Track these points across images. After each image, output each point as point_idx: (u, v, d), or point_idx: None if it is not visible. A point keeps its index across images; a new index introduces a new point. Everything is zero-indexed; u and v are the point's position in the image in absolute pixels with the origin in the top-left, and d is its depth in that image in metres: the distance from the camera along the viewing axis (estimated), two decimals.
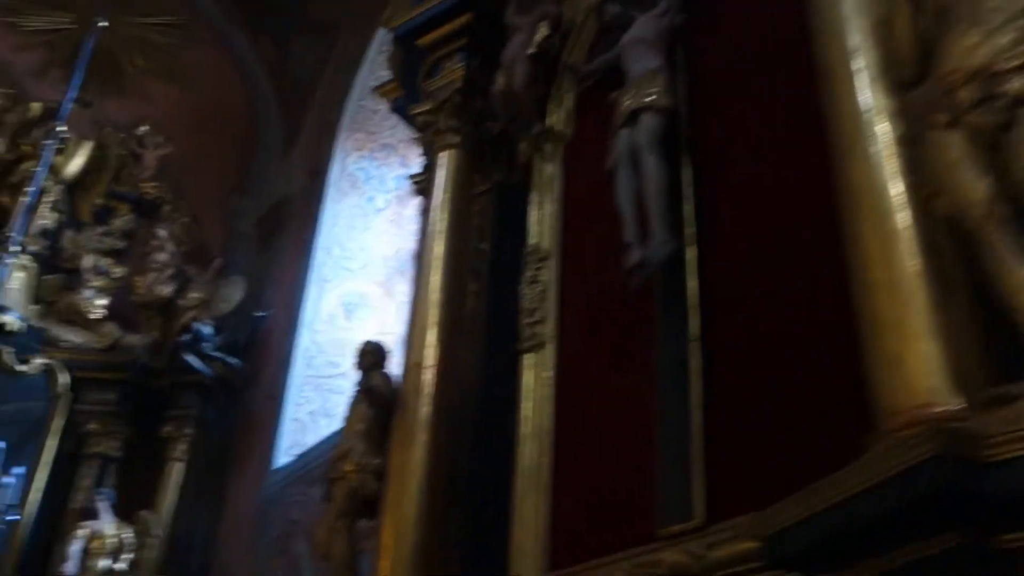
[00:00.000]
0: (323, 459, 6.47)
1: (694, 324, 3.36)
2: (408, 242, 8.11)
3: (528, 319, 4.15)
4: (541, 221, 4.42)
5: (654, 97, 3.70)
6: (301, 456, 7.13)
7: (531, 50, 4.48)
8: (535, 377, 3.98)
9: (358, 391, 4.32)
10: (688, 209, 3.57)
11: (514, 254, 4.43)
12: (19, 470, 5.27)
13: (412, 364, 4.10)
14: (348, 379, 7.61)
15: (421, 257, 4.52)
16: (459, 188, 4.60)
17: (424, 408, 3.94)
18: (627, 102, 3.80)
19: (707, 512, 2.98)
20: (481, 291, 4.54)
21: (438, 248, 4.39)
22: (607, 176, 3.86)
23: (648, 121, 3.67)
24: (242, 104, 9.82)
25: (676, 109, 3.74)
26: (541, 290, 4.21)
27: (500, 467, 3.87)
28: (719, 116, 3.72)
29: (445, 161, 4.65)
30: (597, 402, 3.72)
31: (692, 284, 3.43)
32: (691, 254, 3.48)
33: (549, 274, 4.22)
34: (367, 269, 8.19)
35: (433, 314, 4.22)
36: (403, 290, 7.90)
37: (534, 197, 4.50)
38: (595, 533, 3.42)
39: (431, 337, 4.14)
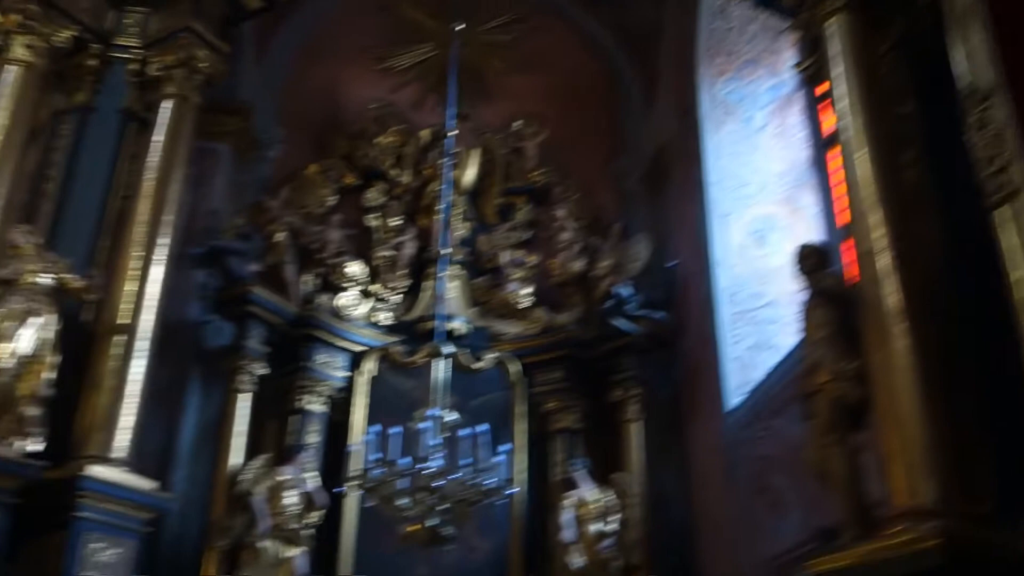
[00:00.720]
0: (779, 389, 6.22)
1: None
2: (800, 150, 7.58)
3: (988, 169, 3.54)
4: (970, 56, 3.76)
5: None
6: (752, 392, 6.92)
7: None
8: (1018, 231, 3.37)
9: (810, 297, 4.00)
10: None
11: (945, 105, 3.82)
12: (505, 447, 5.71)
13: (863, 253, 3.70)
14: (778, 306, 7.30)
15: (839, 140, 4.09)
16: (860, 52, 4.09)
17: (891, 296, 3.52)
18: None
19: None
20: (918, 157, 3.98)
21: (855, 123, 3.94)
22: None
23: None
24: (597, 70, 9.92)
25: None
26: (994, 133, 3.57)
27: (1002, 340, 3.32)
28: None
29: (835, 29, 4.17)
30: None
31: None
32: None
33: (999, 112, 3.57)
34: (765, 191, 7.77)
35: (870, 195, 3.77)
36: (809, 200, 7.39)
37: (954, 34, 3.85)
38: None
39: (875, 219, 3.70)
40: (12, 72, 7.14)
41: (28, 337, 6.07)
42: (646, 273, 8.48)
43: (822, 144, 7.28)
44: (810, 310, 4.05)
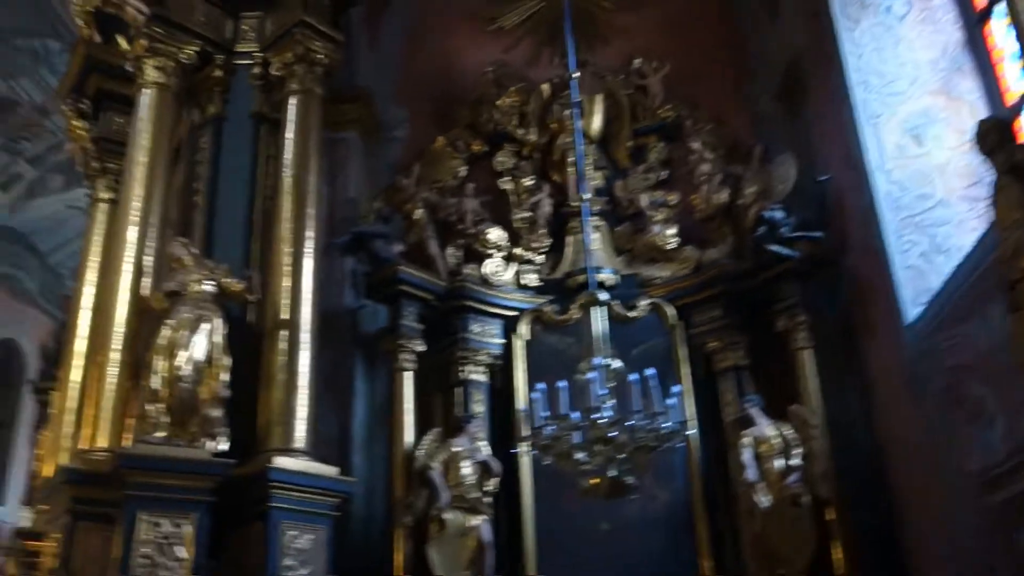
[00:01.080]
0: (964, 292, 5.75)
1: None
2: (951, 31, 6.98)
3: None
4: None
5: None
6: (932, 301, 6.42)
7: None
8: None
9: (998, 178, 3.61)
10: None
11: None
12: (676, 388, 5.52)
13: None
14: (948, 206, 6.76)
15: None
16: None
17: None
18: None
19: None
20: None
21: None
22: None
23: None
24: None
25: None
26: None
27: None
28: None
29: None
30: None
31: None
32: None
33: None
34: (917, 84, 7.14)
35: None
36: (968, 85, 6.80)
37: None
38: None
39: None
40: (147, 95, 7.50)
41: (201, 343, 6.36)
42: (796, 193, 7.98)
43: (976, 19, 6.66)
44: (1000, 191, 3.64)
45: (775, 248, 7.64)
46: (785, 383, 7.63)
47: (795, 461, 7.11)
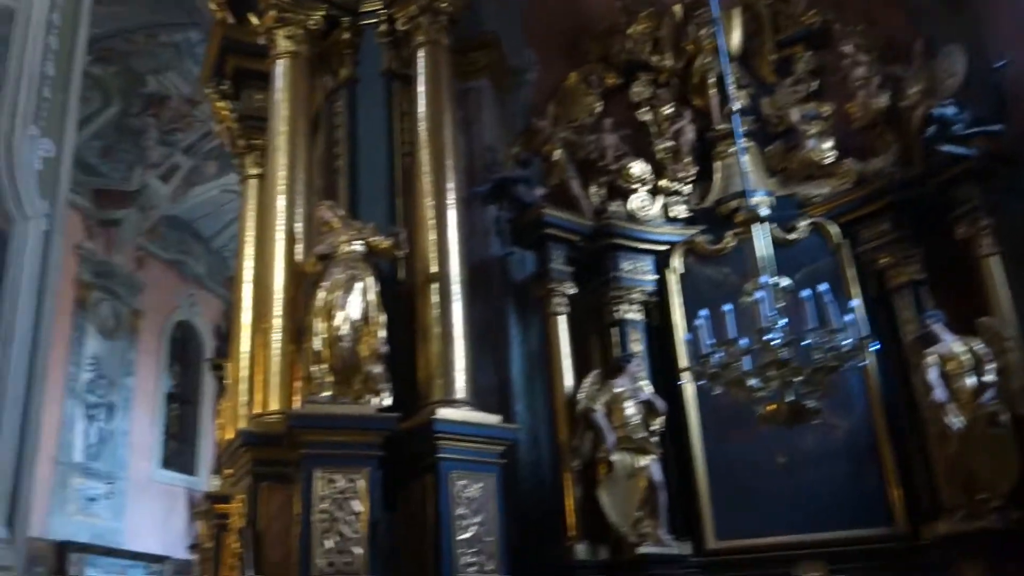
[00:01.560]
0: None
1: None
2: None
3: None
4: None
5: None
6: None
7: None
8: None
9: None
10: None
11: None
12: (854, 302, 5.11)
13: None
14: None
15: None
16: None
17: None
18: None
19: None
20: None
21: None
22: None
23: None
24: None
25: None
26: None
27: None
28: None
29: None
30: None
31: None
32: None
33: None
34: None
35: None
36: None
37: None
38: None
39: None
40: (281, 65, 7.65)
41: (356, 302, 6.48)
42: (967, 86, 7.20)
43: None
44: None
45: (948, 148, 6.94)
46: (969, 295, 7.00)
47: (989, 377, 6.52)
